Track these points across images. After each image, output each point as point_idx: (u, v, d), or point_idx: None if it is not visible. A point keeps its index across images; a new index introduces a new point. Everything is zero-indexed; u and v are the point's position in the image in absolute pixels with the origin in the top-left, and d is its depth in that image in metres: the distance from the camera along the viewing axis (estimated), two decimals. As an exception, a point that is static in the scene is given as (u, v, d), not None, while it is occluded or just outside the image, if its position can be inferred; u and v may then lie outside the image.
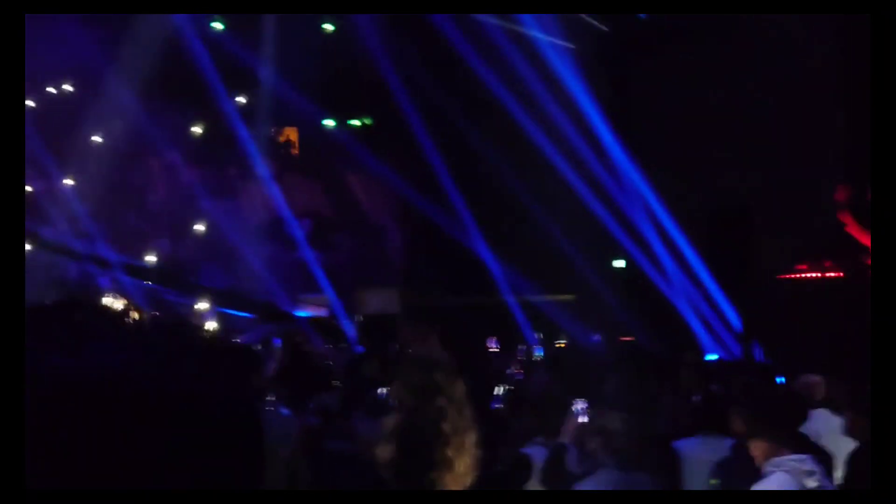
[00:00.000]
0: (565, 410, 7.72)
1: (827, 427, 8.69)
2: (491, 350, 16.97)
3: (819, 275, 16.28)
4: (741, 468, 7.08)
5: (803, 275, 16.58)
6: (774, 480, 6.27)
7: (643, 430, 7.83)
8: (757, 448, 6.74)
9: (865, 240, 15.69)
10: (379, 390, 9.62)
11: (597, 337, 18.55)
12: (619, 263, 23.51)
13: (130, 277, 22.11)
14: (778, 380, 11.47)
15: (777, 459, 6.43)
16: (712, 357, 16.72)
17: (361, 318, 22.18)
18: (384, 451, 6.02)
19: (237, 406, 1.84)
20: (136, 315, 18.26)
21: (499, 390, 9.55)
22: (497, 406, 9.29)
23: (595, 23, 22.50)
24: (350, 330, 21.01)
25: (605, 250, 22.94)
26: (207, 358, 1.86)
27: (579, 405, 7.52)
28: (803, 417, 7.47)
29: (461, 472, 5.97)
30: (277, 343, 13.28)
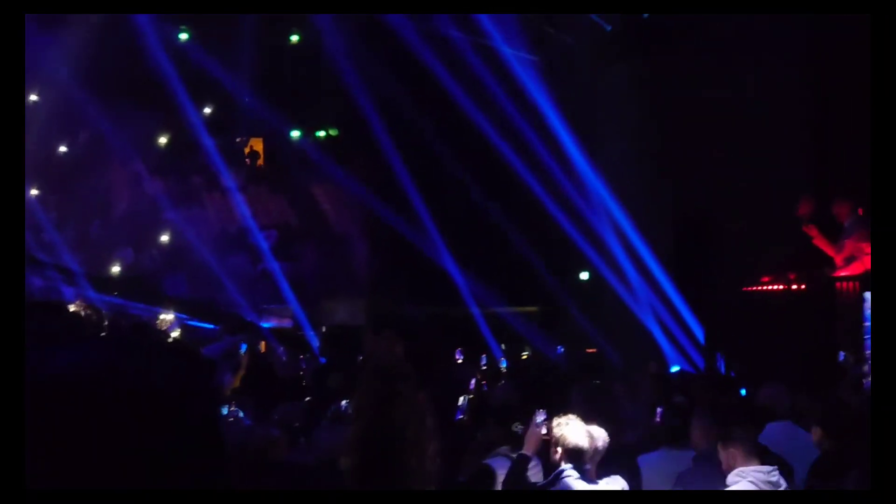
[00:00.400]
0: (528, 421, 7.71)
1: (789, 438, 8.71)
2: (456, 361, 16.96)
3: (783, 287, 16.32)
4: (702, 480, 7.10)
5: (767, 287, 16.63)
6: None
7: (607, 442, 7.83)
8: (725, 457, 6.76)
9: (831, 252, 15.76)
10: (343, 401, 9.62)
11: (561, 349, 18.57)
12: (584, 275, 23.56)
13: (94, 287, 21.99)
14: (741, 392, 11.51)
15: (742, 469, 6.45)
16: (675, 369, 16.74)
17: (326, 329, 22.13)
18: (346, 461, 6.01)
19: (198, 408, 1.83)
20: (98, 318, 18.15)
21: (462, 401, 9.54)
22: (460, 417, 9.28)
23: (561, 34, 22.53)
24: (314, 341, 20.95)
25: (570, 262, 22.98)
26: (168, 359, 1.85)
27: (541, 416, 7.51)
28: (761, 429, 7.49)
29: (423, 481, 5.95)
30: (241, 353, 13.23)
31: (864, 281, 13.62)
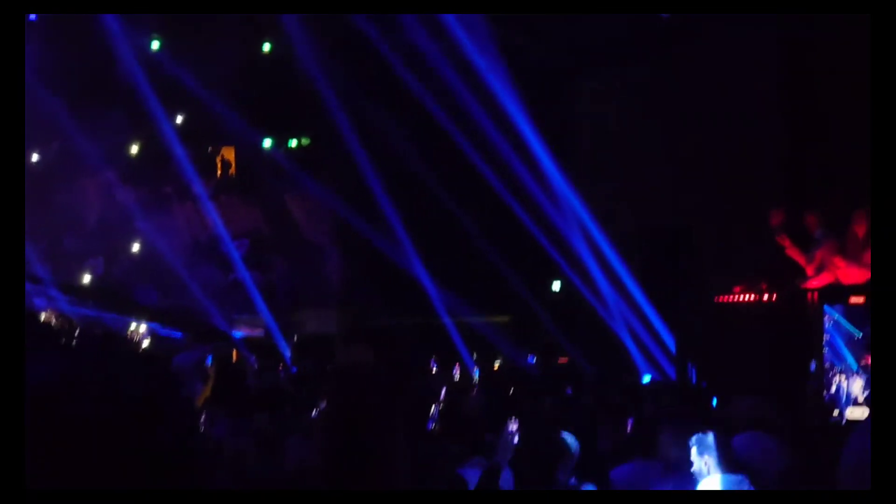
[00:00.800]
0: (500, 431, 7.71)
1: (760, 448, 8.72)
2: (429, 370, 16.96)
3: (754, 297, 16.37)
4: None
5: (739, 297, 16.67)
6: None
7: (579, 451, 7.83)
8: (696, 467, 6.78)
9: (803, 262, 15.82)
10: (313, 411, 9.60)
11: (532, 358, 18.59)
12: (556, 285, 23.59)
13: (65, 297, 21.92)
14: (712, 402, 11.54)
15: (713, 479, 6.46)
16: (647, 379, 16.79)
17: (297, 339, 22.10)
18: (316, 469, 5.99)
19: (169, 419, 1.83)
20: (69, 328, 18.13)
21: (433, 410, 9.53)
22: (432, 426, 9.27)
23: (534, 45, 22.57)
24: (286, 350, 20.92)
25: (542, 272, 23.01)
26: (138, 370, 1.84)
27: (513, 426, 7.51)
28: (729, 439, 7.50)
29: (393, 491, 5.94)
30: (209, 363, 13.20)
31: (826, 294, 13.68)
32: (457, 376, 16.34)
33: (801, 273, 15.78)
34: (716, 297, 17.05)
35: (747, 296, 16.49)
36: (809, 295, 14.01)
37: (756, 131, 19.13)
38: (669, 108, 20.58)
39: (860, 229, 14.46)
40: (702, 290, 18.44)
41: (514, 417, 8.31)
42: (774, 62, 19.19)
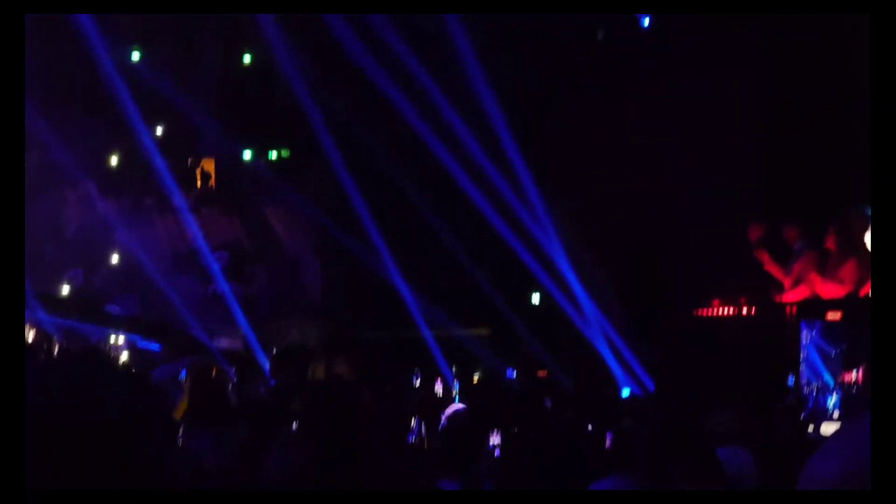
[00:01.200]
0: (480, 444, 7.72)
1: (738, 463, 8.74)
2: (411, 383, 16.94)
3: (733, 311, 16.39)
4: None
5: (718, 311, 16.69)
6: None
7: (558, 464, 7.85)
8: (676, 481, 6.78)
9: (782, 277, 15.86)
10: (294, 424, 9.59)
11: (512, 371, 18.59)
12: (535, 298, 23.62)
13: (44, 309, 21.83)
14: (690, 416, 11.54)
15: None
16: (626, 392, 16.80)
17: (276, 351, 22.05)
18: (296, 482, 6.00)
19: (150, 436, 1.82)
20: (49, 345, 18.05)
21: (414, 423, 9.53)
22: (412, 439, 9.28)
23: (513, 60, 22.61)
24: (265, 363, 20.85)
25: (522, 284, 23.02)
26: (119, 387, 1.84)
27: (495, 439, 7.54)
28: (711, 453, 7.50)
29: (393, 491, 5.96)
30: (183, 376, 13.15)
31: (804, 309, 13.70)
32: (437, 389, 16.33)
33: (779, 287, 15.82)
34: (694, 311, 17.07)
35: (726, 309, 16.51)
36: (788, 309, 14.05)
37: (735, 144, 19.19)
38: (647, 120, 20.64)
39: (835, 243, 14.51)
40: (680, 303, 18.47)
41: (495, 430, 8.34)
42: (752, 75, 19.25)
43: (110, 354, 15.32)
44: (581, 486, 8.06)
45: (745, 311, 16.10)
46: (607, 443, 9.42)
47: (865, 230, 14.87)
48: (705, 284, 18.07)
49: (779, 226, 16.12)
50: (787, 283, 15.26)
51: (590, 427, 10.66)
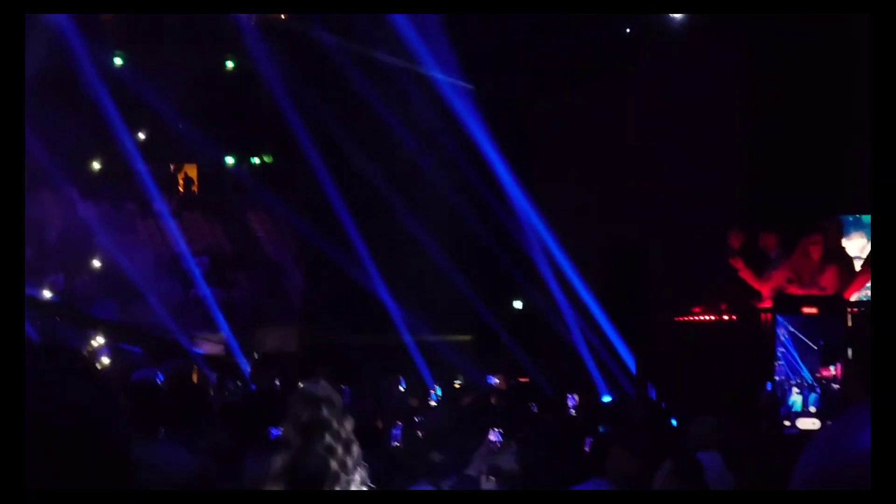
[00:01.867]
0: (461, 449, 7.72)
1: (718, 469, 8.76)
2: (394, 389, 16.94)
3: (714, 317, 16.41)
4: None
5: (699, 317, 16.71)
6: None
7: (539, 469, 7.85)
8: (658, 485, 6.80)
9: (757, 285, 15.88)
10: (272, 429, 9.57)
11: (493, 378, 18.58)
12: (517, 304, 23.65)
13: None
14: (672, 422, 11.57)
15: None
16: (607, 399, 16.82)
17: (258, 356, 22.05)
18: (273, 487, 6.00)
19: (107, 439, 1.82)
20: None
21: (396, 428, 9.54)
22: (395, 444, 9.28)
23: (495, 64, 22.65)
24: (246, 368, 20.86)
25: (503, 291, 23.06)
26: (84, 387, 1.84)
27: (493, 436, 7.56)
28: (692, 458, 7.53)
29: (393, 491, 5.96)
30: (160, 379, 13.12)
31: (780, 304, 13.70)
32: (417, 395, 16.34)
33: (758, 294, 15.86)
34: (675, 317, 17.10)
35: (707, 316, 16.55)
36: (765, 316, 14.06)
37: (716, 152, 19.23)
38: (628, 127, 20.69)
39: (815, 251, 14.55)
40: (661, 309, 18.50)
41: (494, 430, 8.35)
42: (734, 80, 19.30)
43: (82, 354, 15.26)
44: (561, 488, 8.08)
45: (725, 317, 16.13)
46: (587, 447, 9.41)
47: (842, 238, 14.92)
48: (686, 291, 18.10)
49: (757, 234, 16.15)
50: (764, 290, 15.29)
51: (569, 432, 10.66)
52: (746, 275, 15.87)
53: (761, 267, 15.69)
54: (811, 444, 2.98)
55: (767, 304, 14.43)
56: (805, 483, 2.90)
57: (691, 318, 16.83)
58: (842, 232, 14.90)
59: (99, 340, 20.83)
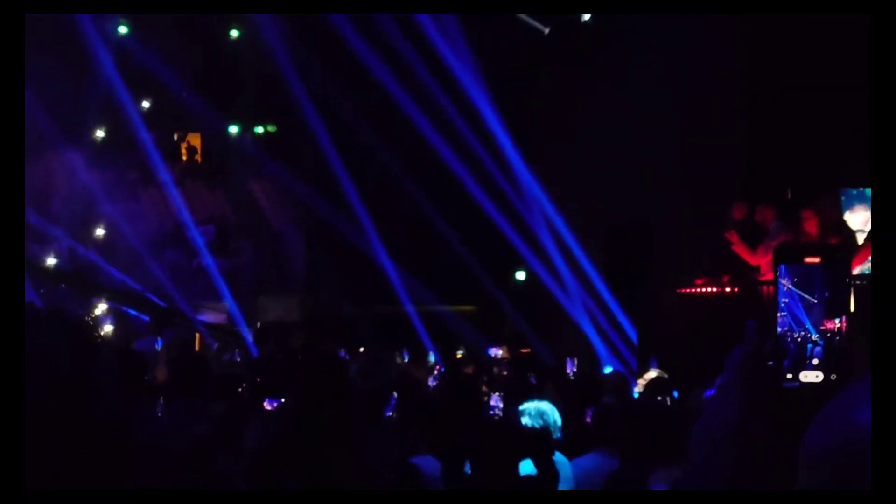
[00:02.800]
0: (460, 419, 7.74)
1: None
2: (390, 358, 16.96)
3: (716, 289, 16.43)
4: (630, 482, 7.13)
5: (701, 289, 16.73)
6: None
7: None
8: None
9: (749, 258, 15.89)
10: (274, 398, 9.60)
11: (495, 348, 18.59)
12: (520, 275, 23.65)
13: (29, 278, 21.82)
14: (673, 393, 11.57)
15: (663, 472, 6.47)
16: (609, 370, 16.82)
17: (260, 326, 22.08)
18: (274, 452, 6.03)
19: (106, 405, 1.83)
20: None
21: (392, 398, 9.53)
22: (390, 414, 9.28)
23: (499, 35, 22.60)
24: (248, 337, 20.89)
25: (507, 262, 23.05)
26: (84, 353, 1.85)
27: (496, 399, 7.59)
28: (685, 432, 7.53)
29: (349, 475, 5.98)
30: (159, 345, 13.16)
31: (781, 253, 13.61)
32: (419, 364, 16.36)
33: (752, 268, 15.89)
34: (678, 289, 17.12)
35: (709, 288, 16.57)
36: (767, 288, 14.04)
37: (717, 125, 19.20)
38: (631, 101, 20.65)
39: (810, 226, 14.55)
40: (663, 281, 18.51)
41: (494, 395, 8.39)
42: (737, 53, 19.25)
43: (84, 321, 15.26)
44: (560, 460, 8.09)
45: (727, 289, 16.15)
46: (587, 418, 9.41)
47: (843, 212, 14.92)
48: (689, 265, 18.11)
49: (756, 206, 16.15)
50: (763, 263, 15.30)
51: (570, 403, 10.66)
52: (740, 248, 15.90)
53: (756, 241, 15.70)
54: (820, 417, 2.97)
55: (769, 276, 14.42)
56: (813, 460, 2.89)
57: (694, 291, 16.85)
58: (838, 205, 14.89)
59: (102, 308, 20.87)
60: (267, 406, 9.30)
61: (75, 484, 1.53)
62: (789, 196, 16.05)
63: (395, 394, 9.39)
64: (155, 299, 23.12)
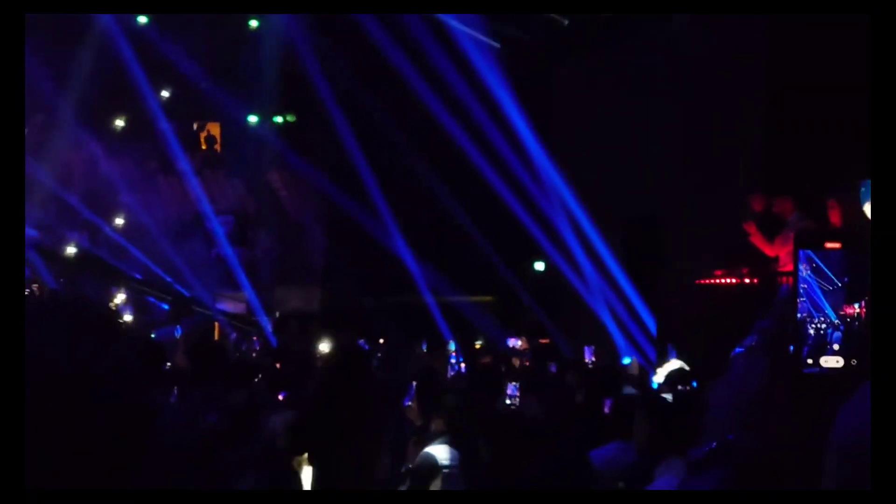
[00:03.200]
0: (476, 409, 7.73)
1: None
2: (409, 348, 16.96)
3: (736, 281, 16.40)
4: (647, 472, 7.11)
5: (720, 280, 16.70)
6: (665, 483, 6.30)
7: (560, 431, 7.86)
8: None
9: (767, 250, 15.86)
10: (292, 389, 9.59)
11: (513, 338, 18.58)
12: (539, 266, 23.62)
13: (49, 267, 21.89)
14: (693, 384, 11.54)
15: (671, 462, 6.45)
16: (628, 361, 16.79)
17: (279, 316, 22.10)
18: (287, 441, 6.02)
19: (130, 395, 1.81)
20: (33, 287, 18.09)
21: (411, 387, 9.52)
22: (408, 403, 9.27)
23: (517, 27, 22.56)
24: (267, 327, 20.92)
25: (525, 252, 23.03)
26: (106, 341, 1.82)
27: (510, 389, 7.60)
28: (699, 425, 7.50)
29: (367, 465, 5.98)
30: (178, 333, 13.18)
31: (801, 238, 13.52)
32: (438, 354, 16.35)
33: (770, 259, 15.87)
34: (697, 280, 17.09)
35: (729, 279, 16.54)
36: (786, 279, 14.01)
37: (736, 117, 19.13)
38: (649, 91, 20.58)
39: (834, 216, 14.51)
40: (683, 272, 18.46)
41: (511, 384, 8.37)
42: (756, 46, 19.17)
43: (106, 308, 15.29)
44: (579, 450, 8.08)
45: (746, 280, 16.12)
46: (606, 409, 9.39)
47: (860, 204, 14.86)
48: (708, 254, 18.08)
49: (776, 198, 16.11)
50: (781, 254, 15.27)
51: (589, 394, 10.65)
52: (757, 239, 15.87)
53: (774, 232, 15.66)
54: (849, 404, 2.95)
55: (788, 267, 14.38)
56: (843, 450, 2.87)
57: (713, 282, 16.82)
58: (857, 196, 14.83)
59: (121, 297, 20.93)
60: (282, 398, 9.31)
61: (98, 476, 1.53)
62: (808, 188, 15.98)
63: (415, 383, 9.37)
64: (179, 287, 23.21)
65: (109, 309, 16.05)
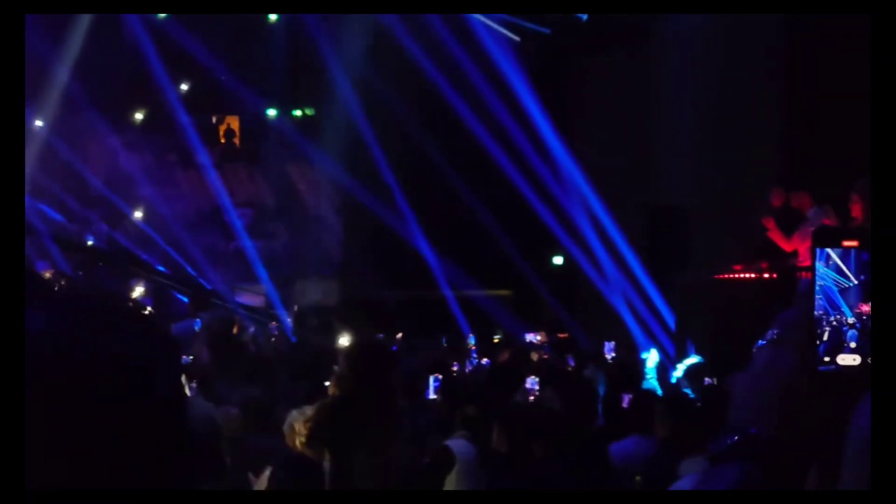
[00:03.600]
0: (496, 403, 7.75)
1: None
2: (429, 342, 16.98)
3: (754, 276, 16.37)
4: (666, 466, 7.11)
5: (739, 275, 16.67)
6: (688, 482, 6.29)
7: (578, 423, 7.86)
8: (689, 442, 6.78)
9: (785, 245, 15.83)
10: (314, 382, 9.60)
11: (534, 335, 18.58)
12: (558, 260, 23.61)
13: (68, 259, 21.93)
14: (706, 380, 11.53)
15: (694, 460, 6.44)
16: (646, 355, 16.78)
17: (297, 309, 22.11)
18: (305, 431, 6.03)
19: (161, 386, 1.81)
20: (60, 279, 18.14)
21: (433, 381, 9.54)
22: (431, 397, 9.29)
23: (538, 23, 22.54)
24: (286, 321, 20.93)
25: (544, 246, 23.02)
26: (130, 330, 1.82)
27: (529, 383, 7.62)
28: (721, 420, 7.50)
29: (385, 458, 5.99)
30: (198, 325, 13.18)
31: (819, 236, 13.48)
32: (458, 348, 16.36)
33: (796, 253, 15.82)
34: (715, 275, 17.06)
35: (747, 274, 16.51)
36: (805, 274, 13.98)
37: (757, 112, 19.10)
38: (670, 86, 20.55)
39: (855, 209, 14.47)
40: (701, 267, 18.44)
41: (530, 378, 8.39)
42: (776, 41, 19.13)
43: (136, 302, 15.33)
44: (597, 444, 8.09)
45: (766, 275, 16.09)
46: (624, 403, 9.40)
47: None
48: (727, 248, 18.05)
49: (796, 192, 16.07)
50: (801, 248, 15.23)
51: (607, 388, 10.66)
52: (775, 235, 15.83)
53: (792, 227, 15.63)
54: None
55: (807, 263, 14.37)
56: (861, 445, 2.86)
57: (732, 276, 16.79)
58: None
59: (140, 290, 20.96)
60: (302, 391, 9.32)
61: (134, 472, 1.53)
62: (827, 184, 15.95)
63: (440, 377, 9.40)
64: (201, 280, 23.28)
65: (137, 302, 16.11)
